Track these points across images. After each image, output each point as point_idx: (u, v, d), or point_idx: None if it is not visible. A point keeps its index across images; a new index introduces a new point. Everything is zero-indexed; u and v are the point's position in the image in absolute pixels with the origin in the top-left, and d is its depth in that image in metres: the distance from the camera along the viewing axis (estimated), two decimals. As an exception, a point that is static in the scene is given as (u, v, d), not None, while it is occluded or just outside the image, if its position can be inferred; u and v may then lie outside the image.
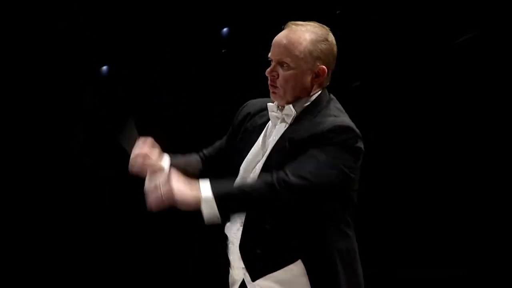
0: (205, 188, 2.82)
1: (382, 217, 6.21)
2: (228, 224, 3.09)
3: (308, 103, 3.00)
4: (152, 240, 6.64)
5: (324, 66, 2.99)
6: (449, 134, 6.03)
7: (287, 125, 3.00)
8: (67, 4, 6.74)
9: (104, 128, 6.80)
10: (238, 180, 3.02)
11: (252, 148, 3.04)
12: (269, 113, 3.04)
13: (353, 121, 2.97)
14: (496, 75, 5.89)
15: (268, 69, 2.99)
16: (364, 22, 6.36)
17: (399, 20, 6.20)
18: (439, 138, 6.06)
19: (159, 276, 6.67)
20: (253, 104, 3.18)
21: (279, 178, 2.80)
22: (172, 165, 3.12)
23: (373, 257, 5.51)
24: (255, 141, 3.05)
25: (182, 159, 3.24)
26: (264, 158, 2.99)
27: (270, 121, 3.05)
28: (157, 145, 3.08)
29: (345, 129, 2.91)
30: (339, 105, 3.05)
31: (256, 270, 2.98)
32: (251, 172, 3.02)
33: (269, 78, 3.00)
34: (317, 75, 2.99)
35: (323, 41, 2.98)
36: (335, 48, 3.03)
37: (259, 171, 2.97)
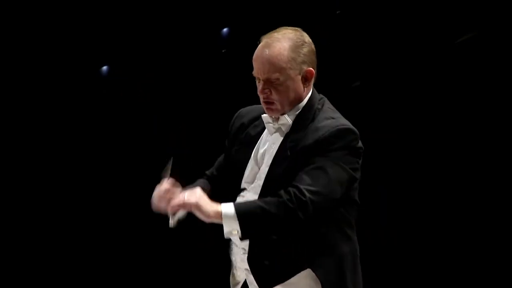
0: (227, 205, 2.85)
1: (381, 217, 6.21)
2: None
3: (301, 109, 3.01)
4: (152, 241, 6.64)
5: (310, 68, 3.00)
6: (449, 134, 6.02)
7: (284, 134, 3.00)
8: (67, 4, 6.74)
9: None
10: (242, 194, 3.03)
11: (250, 161, 3.05)
12: (265, 124, 3.04)
13: (352, 121, 2.99)
14: (496, 75, 5.88)
15: (260, 89, 2.98)
16: (364, 22, 6.36)
17: (399, 20, 6.20)
18: (439, 138, 6.06)
19: (159, 276, 6.67)
20: (245, 114, 3.18)
21: (296, 196, 2.81)
22: None
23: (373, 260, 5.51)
24: (252, 153, 3.05)
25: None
26: (267, 169, 2.99)
27: (264, 132, 3.06)
28: (178, 185, 3.03)
29: (346, 131, 2.93)
30: (330, 105, 3.07)
31: (266, 281, 2.97)
32: (251, 183, 3.03)
33: (261, 96, 2.99)
34: (306, 78, 3.00)
35: (302, 44, 2.98)
36: (313, 46, 3.03)
37: (261, 182, 2.98)
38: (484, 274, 5.80)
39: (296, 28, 3.04)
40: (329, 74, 6.06)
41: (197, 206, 2.83)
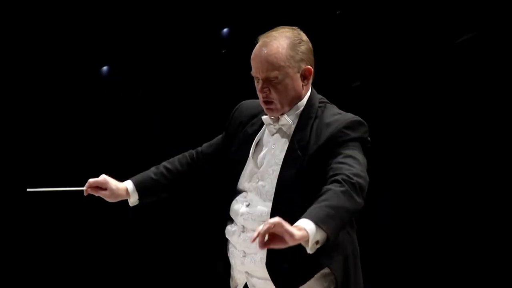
0: (305, 223, 2.57)
1: (381, 217, 6.21)
2: (228, 228, 3.08)
3: (302, 107, 3.01)
4: (152, 241, 6.64)
5: (309, 66, 3.00)
6: (449, 134, 6.02)
7: (285, 135, 3.00)
8: (67, 4, 6.74)
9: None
10: (244, 195, 3.02)
11: (248, 160, 3.05)
12: (266, 125, 3.04)
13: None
14: (496, 75, 5.88)
15: (259, 88, 2.98)
16: (364, 22, 6.36)
17: (399, 20, 6.20)
18: (440, 138, 6.06)
19: (160, 277, 6.67)
20: (245, 109, 3.18)
21: (348, 183, 2.71)
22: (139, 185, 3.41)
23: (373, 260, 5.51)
24: (249, 152, 3.06)
25: (149, 179, 3.48)
26: (270, 170, 2.98)
27: (260, 130, 3.06)
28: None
29: (359, 123, 2.98)
30: (333, 104, 3.09)
31: (286, 285, 2.94)
32: (251, 183, 3.02)
33: (261, 96, 2.99)
34: (304, 77, 3.00)
35: (300, 42, 2.99)
36: (311, 45, 3.04)
37: (264, 183, 2.97)
38: (484, 274, 5.80)
39: (293, 27, 3.05)
40: (329, 74, 6.07)
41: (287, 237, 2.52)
